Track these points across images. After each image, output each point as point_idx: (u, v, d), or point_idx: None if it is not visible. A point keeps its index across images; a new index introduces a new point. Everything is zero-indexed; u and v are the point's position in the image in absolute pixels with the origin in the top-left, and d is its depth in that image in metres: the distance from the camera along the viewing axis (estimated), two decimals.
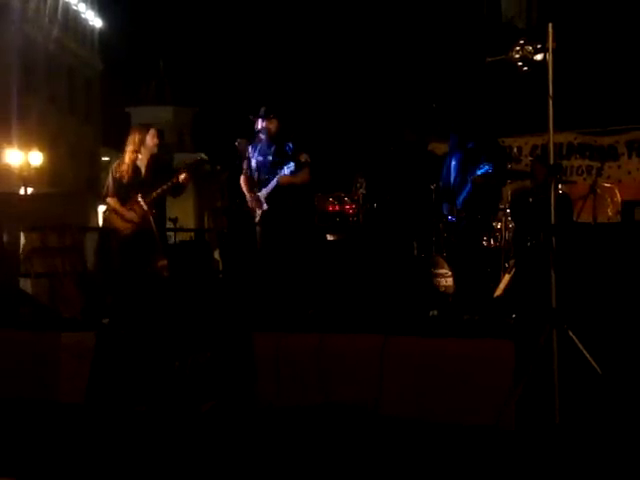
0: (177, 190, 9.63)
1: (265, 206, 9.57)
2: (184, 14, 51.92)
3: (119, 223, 9.62)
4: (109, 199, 9.74)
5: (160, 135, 9.94)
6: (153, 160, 9.65)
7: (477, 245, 9.25)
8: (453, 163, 9.44)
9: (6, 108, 36.53)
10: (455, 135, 9.54)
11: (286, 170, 9.36)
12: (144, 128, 9.82)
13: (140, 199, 9.50)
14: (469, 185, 9.06)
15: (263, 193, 9.59)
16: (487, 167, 8.69)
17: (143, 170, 9.60)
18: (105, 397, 7.84)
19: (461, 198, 9.21)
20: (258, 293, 9.17)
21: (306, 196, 10.00)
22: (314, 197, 10.85)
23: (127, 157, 9.63)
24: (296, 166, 9.37)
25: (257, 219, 9.67)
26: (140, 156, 9.61)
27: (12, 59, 38.41)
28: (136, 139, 9.63)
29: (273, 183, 9.49)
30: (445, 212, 9.76)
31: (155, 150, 9.69)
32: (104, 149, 50.54)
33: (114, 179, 9.68)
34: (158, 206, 9.62)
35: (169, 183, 9.45)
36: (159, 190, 9.45)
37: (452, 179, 9.44)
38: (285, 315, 8.46)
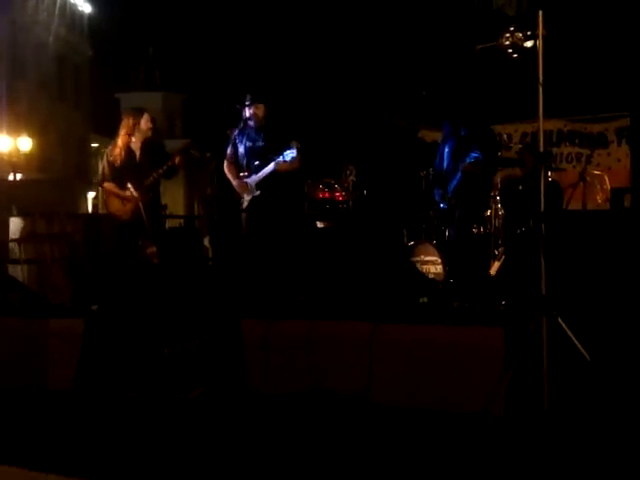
0: (171, 173, 9.62)
1: (257, 192, 9.54)
2: (173, 0, 51.71)
3: (118, 207, 9.63)
4: (106, 184, 9.77)
5: (153, 120, 9.94)
6: (147, 144, 9.66)
7: (467, 233, 9.24)
8: (446, 150, 9.44)
9: None
10: (448, 122, 9.53)
11: (287, 157, 9.31)
12: (138, 112, 9.83)
13: (129, 185, 9.52)
14: (459, 173, 9.06)
15: (254, 179, 9.55)
16: (477, 155, 8.69)
17: (137, 154, 9.62)
18: (94, 384, 7.83)
19: (452, 185, 9.21)
20: (248, 280, 9.16)
21: (295, 183, 9.99)
22: (304, 184, 10.85)
23: (120, 141, 9.64)
24: (293, 157, 9.34)
25: (244, 205, 9.64)
26: (134, 140, 9.61)
27: (1, 45, 38.26)
28: (130, 123, 9.64)
29: (269, 169, 9.43)
30: (437, 199, 9.76)
31: (149, 134, 9.70)
32: (94, 135, 50.44)
33: (109, 163, 9.70)
34: (153, 190, 9.62)
35: (164, 166, 9.45)
36: (155, 174, 9.45)
37: (445, 166, 9.44)
38: (275, 302, 8.46)
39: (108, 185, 9.71)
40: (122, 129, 9.67)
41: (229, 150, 9.84)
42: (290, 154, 9.29)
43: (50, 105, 43.72)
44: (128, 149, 9.59)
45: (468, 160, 8.56)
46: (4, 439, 6.50)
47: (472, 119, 9.13)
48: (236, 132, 9.77)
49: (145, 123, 9.64)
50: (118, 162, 9.61)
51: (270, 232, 9.45)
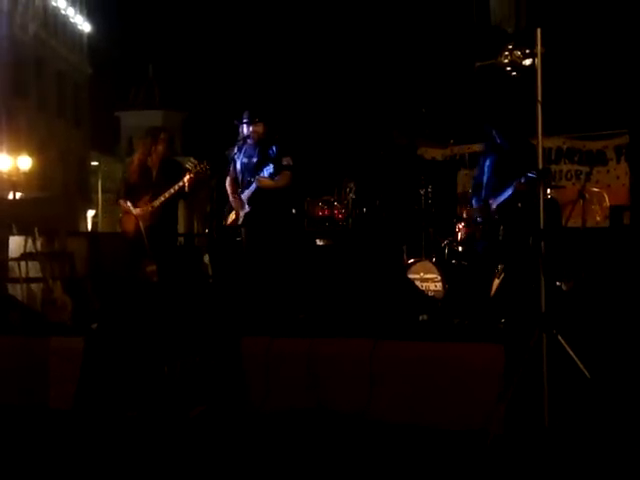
0: (182, 194, 9.64)
1: (247, 208, 9.57)
2: (173, 18, 51.87)
3: (128, 225, 9.68)
4: (120, 201, 9.83)
5: (170, 139, 10.01)
6: (164, 163, 9.70)
7: (514, 249, 9.05)
8: (487, 163, 9.34)
9: None
10: (490, 136, 9.41)
11: (265, 172, 9.38)
12: (156, 131, 9.91)
13: (129, 203, 9.57)
14: (510, 189, 8.93)
15: (245, 195, 9.59)
16: (533, 175, 8.55)
17: (154, 173, 9.66)
18: (94, 402, 7.82)
19: (498, 201, 9.08)
20: (248, 297, 9.15)
21: (288, 199, 9.98)
22: (304, 202, 10.85)
23: (136, 159, 9.74)
24: (276, 169, 9.37)
25: (240, 221, 9.68)
26: (150, 159, 9.66)
27: (1, 64, 38.33)
28: (147, 142, 9.70)
29: (253, 186, 9.50)
30: (474, 206, 9.59)
31: (166, 154, 9.75)
32: (93, 153, 50.56)
33: (125, 181, 9.80)
34: (168, 209, 9.63)
35: (176, 187, 9.47)
36: (166, 194, 9.48)
37: (485, 179, 9.35)
38: (275, 319, 8.45)
39: (123, 202, 9.78)
40: (139, 148, 9.78)
41: (231, 167, 9.88)
42: (267, 170, 9.34)
43: (50, 124, 43.81)
44: (144, 167, 9.67)
45: (524, 179, 8.47)
46: (4, 458, 6.48)
47: (514, 133, 9.07)
48: (235, 149, 9.81)
49: (162, 143, 9.70)
50: (133, 180, 9.69)
51: (264, 248, 9.45)
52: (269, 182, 9.42)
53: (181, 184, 9.44)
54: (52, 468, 6.20)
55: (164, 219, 9.60)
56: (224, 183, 9.96)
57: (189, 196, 9.73)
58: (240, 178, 9.73)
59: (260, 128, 9.62)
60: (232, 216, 9.81)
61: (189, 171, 9.44)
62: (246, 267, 9.58)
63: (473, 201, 9.52)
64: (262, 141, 9.62)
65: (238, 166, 9.76)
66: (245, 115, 9.68)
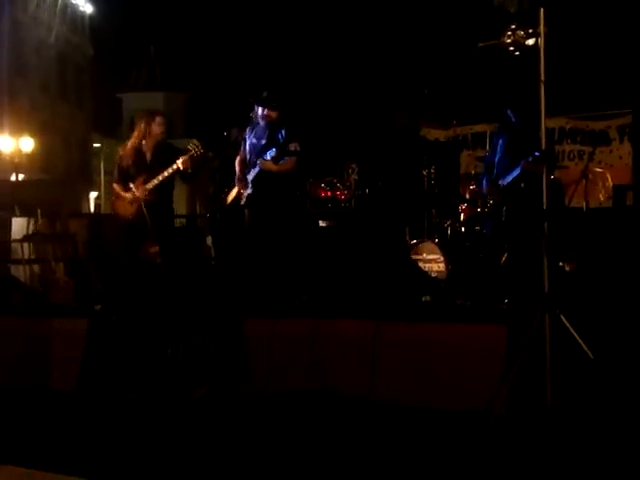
0: (184, 175, 9.61)
1: (250, 189, 9.56)
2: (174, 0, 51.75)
3: (123, 208, 9.65)
4: (114, 184, 9.82)
5: (167, 122, 9.97)
6: (159, 147, 9.65)
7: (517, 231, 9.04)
8: (500, 142, 9.32)
9: None
10: (504, 116, 9.38)
11: (267, 156, 9.34)
12: (150, 115, 9.85)
13: (131, 185, 9.54)
14: (519, 169, 8.92)
15: (250, 176, 9.57)
16: (539, 154, 8.51)
17: (148, 157, 9.62)
18: (97, 383, 7.84)
19: (506, 180, 9.07)
20: (251, 279, 9.16)
21: (293, 182, 9.96)
22: (306, 183, 10.85)
23: (130, 143, 9.69)
24: (281, 153, 9.34)
25: (243, 201, 9.66)
26: (145, 142, 9.62)
27: (2, 45, 38.27)
28: (142, 126, 9.66)
29: (257, 168, 9.47)
30: (484, 186, 9.58)
31: (161, 137, 9.70)
32: (95, 135, 50.52)
33: (119, 165, 9.76)
34: (162, 192, 9.59)
35: (169, 170, 9.43)
36: (160, 177, 9.45)
37: (496, 159, 9.33)
38: (278, 301, 8.46)
39: (116, 186, 9.76)
40: (134, 132, 9.72)
41: (242, 145, 9.85)
42: (270, 153, 9.31)
43: (52, 105, 43.74)
44: (139, 151, 9.61)
45: (532, 158, 8.44)
46: (7, 439, 6.50)
47: (528, 114, 9.04)
48: (247, 129, 9.78)
49: (157, 126, 9.65)
50: (128, 164, 9.64)
51: (267, 229, 9.43)
52: (272, 166, 9.39)
53: (175, 167, 9.40)
54: (54, 448, 6.22)
55: (158, 202, 9.56)
56: (226, 164, 9.95)
57: (191, 177, 9.70)
58: (248, 158, 9.70)
59: (274, 114, 9.58)
60: (232, 195, 9.81)
61: (188, 151, 9.41)
62: (248, 248, 9.58)
63: (484, 181, 9.51)
64: (273, 124, 9.58)
65: (248, 146, 9.73)
66: (263, 95, 9.62)
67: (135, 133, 9.70)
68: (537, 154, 7.85)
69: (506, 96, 9.43)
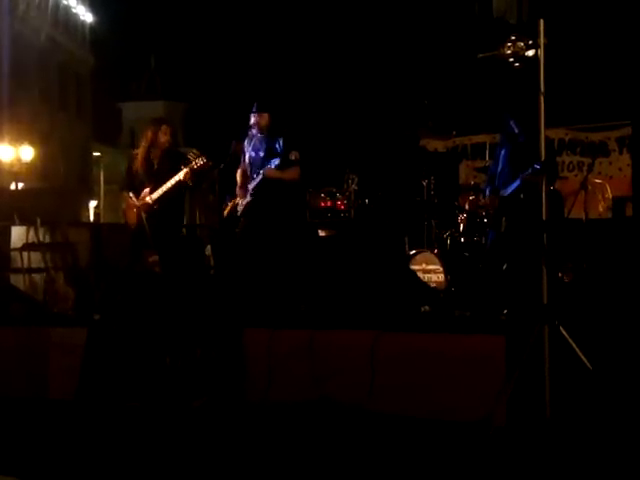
0: (185, 188, 9.64)
1: (248, 197, 9.56)
2: (175, 9, 51.77)
3: (128, 217, 9.74)
4: (124, 192, 9.90)
5: (173, 130, 10.02)
6: (166, 155, 9.70)
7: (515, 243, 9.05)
8: (502, 153, 9.34)
9: None
10: (506, 127, 9.40)
11: (272, 164, 9.35)
12: (156, 124, 9.91)
13: (131, 194, 9.61)
14: (519, 181, 8.94)
15: (251, 186, 9.58)
16: (539, 166, 8.51)
17: (156, 165, 9.67)
18: (96, 393, 7.83)
19: (506, 192, 9.09)
20: (250, 289, 9.15)
21: (294, 192, 9.97)
22: (306, 193, 10.85)
23: (139, 152, 9.78)
24: (283, 163, 9.35)
25: (240, 211, 9.66)
26: (152, 151, 9.68)
27: (2, 54, 38.30)
28: (148, 135, 9.72)
29: (259, 177, 9.47)
30: (487, 196, 9.60)
31: (168, 145, 9.74)
32: (95, 144, 50.52)
33: (128, 174, 9.88)
34: (168, 202, 9.60)
35: (172, 181, 9.46)
36: (164, 187, 9.49)
37: (498, 169, 9.35)
38: (277, 311, 8.46)
39: (125, 194, 9.87)
40: (141, 141, 9.83)
41: (242, 157, 9.86)
42: (274, 162, 9.32)
43: (52, 114, 43.77)
44: (147, 159, 9.69)
45: (531, 170, 8.45)
46: (6, 449, 6.49)
47: (531, 126, 9.04)
48: (246, 141, 9.80)
49: (163, 135, 9.71)
50: (136, 172, 9.74)
51: (264, 239, 9.42)
52: (276, 172, 9.38)
53: (177, 178, 9.43)
54: (54, 457, 6.21)
55: (166, 210, 9.59)
56: (227, 174, 9.96)
57: (194, 189, 9.75)
58: (249, 171, 9.71)
59: (264, 120, 9.56)
60: (229, 207, 9.83)
61: (189, 161, 9.44)
62: (241, 257, 9.57)
63: (486, 191, 9.53)
64: (269, 134, 9.57)
65: (247, 159, 9.74)
66: (254, 105, 9.65)
67: (142, 142, 9.78)
68: (537, 166, 7.86)
69: (508, 107, 9.44)
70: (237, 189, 9.78)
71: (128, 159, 9.98)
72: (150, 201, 9.52)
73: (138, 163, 9.73)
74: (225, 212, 9.94)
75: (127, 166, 10.00)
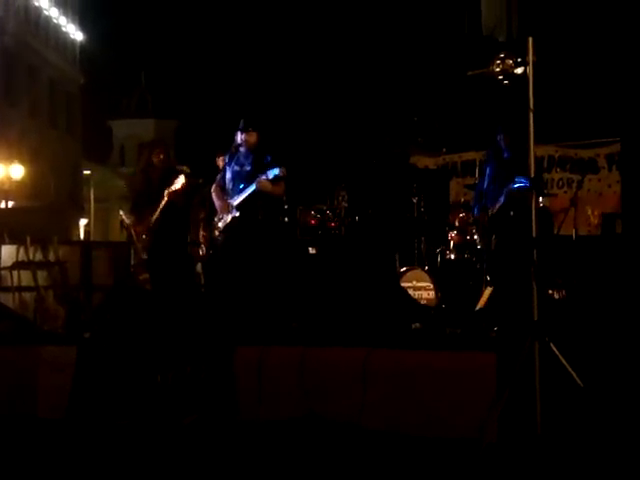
0: (175, 207, 9.70)
1: (236, 212, 9.55)
2: (166, 28, 51.84)
3: (132, 238, 9.84)
4: (124, 217, 10.03)
5: (167, 151, 10.08)
6: (162, 175, 9.75)
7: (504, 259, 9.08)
8: (488, 170, 9.39)
9: None
10: (492, 144, 9.45)
11: (269, 174, 9.31)
12: (150, 146, 10.02)
13: (121, 213, 9.67)
14: (503, 197, 8.97)
15: (236, 199, 9.53)
16: (524, 182, 8.55)
17: (154, 185, 9.73)
18: (87, 411, 7.81)
19: (496, 206, 9.12)
20: (241, 306, 9.14)
21: (278, 208, 9.99)
22: (296, 210, 10.86)
23: (137, 174, 9.89)
24: (273, 177, 9.35)
25: (221, 226, 9.65)
26: (151, 170, 9.76)
27: None
28: (143, 157, 9.81)
29: (250, 189, 9.44)
30: (475, 214, 9.67)
31: (162, 165, 9.79)
32: (85, 162, 50.42)
33: (131, 196, 9.98)
34: (165, 222, 9.64)
35: (166, 192, 9.53)
36: (157, 211, 9.55)
37: (485, 185, 9.38)
38: (268, 328, 8.45)
39: (124, 217, 9.98)
40: (138, 163, 9.96)
41: (219, 175, 9.89)
42: (273, 172, 9.30)
43: (42, 132, 43.71)
44: (146, 180, 9.80)
45: (515, 186, 8.48)
46: None
47: (516, 143, 9.08)
48: (227, 157, 9.80)
49: (157, 156, 9.78)
50: (137, 194, 9.85)
51: (247, 255, 9.42)
52: (268, 186, 9.37)
53: (172, 188, 9.47)
54: (44, 476, 6.19)
55: (164, 230, 9.65)
56: None
57: (184, 208, 9.79)
58: (230, 186, 9.68)
59: (253, 138, 9.59)
60: (220, 226, 9.83)
61: (183, 173, 9.51)
62: (231, 274, 9.55)
63: (475, 209, 9.57)
64: (256, 150, 9.60)
65: (229, 174, 9.72)
66: (241, 123, 9.67)
67: (139, 165, 9.90)
68: (522, 180, 7.89)
69: (498, 123, 9.49)
70: (217, 204, 9.76)
71: (126, 182, 10.11)
72: (150, 224, 9.61)
73: (136, 184, 9.84)
74: (216, 233, 9.93)
75: (129, 189, 10.16)
